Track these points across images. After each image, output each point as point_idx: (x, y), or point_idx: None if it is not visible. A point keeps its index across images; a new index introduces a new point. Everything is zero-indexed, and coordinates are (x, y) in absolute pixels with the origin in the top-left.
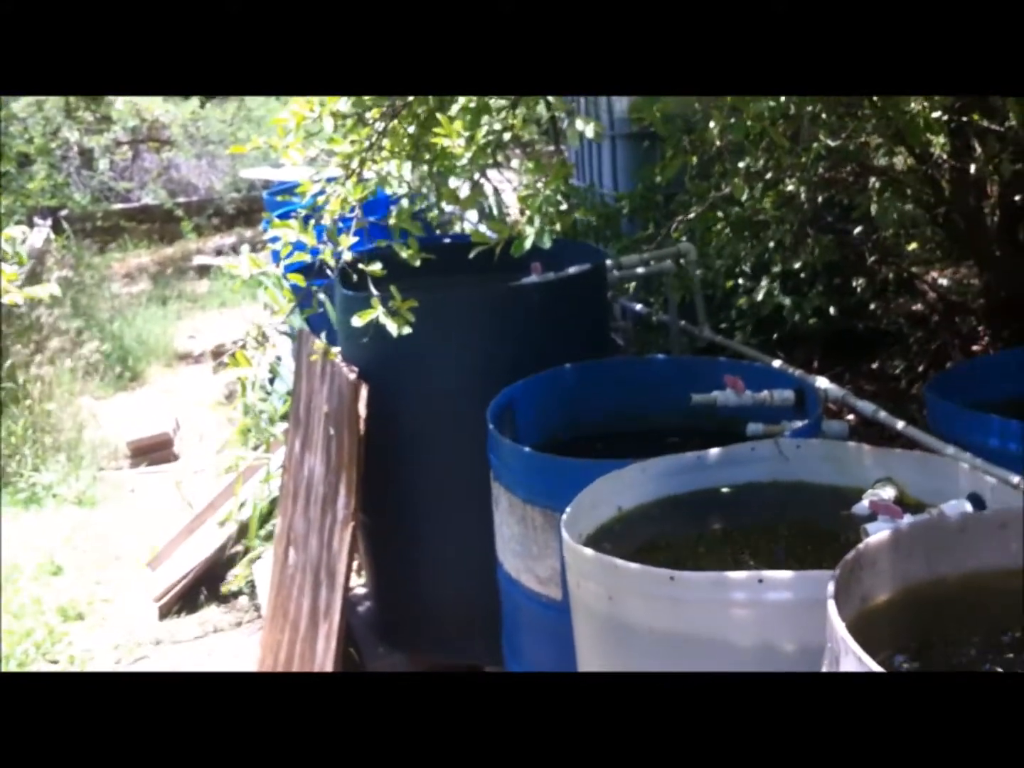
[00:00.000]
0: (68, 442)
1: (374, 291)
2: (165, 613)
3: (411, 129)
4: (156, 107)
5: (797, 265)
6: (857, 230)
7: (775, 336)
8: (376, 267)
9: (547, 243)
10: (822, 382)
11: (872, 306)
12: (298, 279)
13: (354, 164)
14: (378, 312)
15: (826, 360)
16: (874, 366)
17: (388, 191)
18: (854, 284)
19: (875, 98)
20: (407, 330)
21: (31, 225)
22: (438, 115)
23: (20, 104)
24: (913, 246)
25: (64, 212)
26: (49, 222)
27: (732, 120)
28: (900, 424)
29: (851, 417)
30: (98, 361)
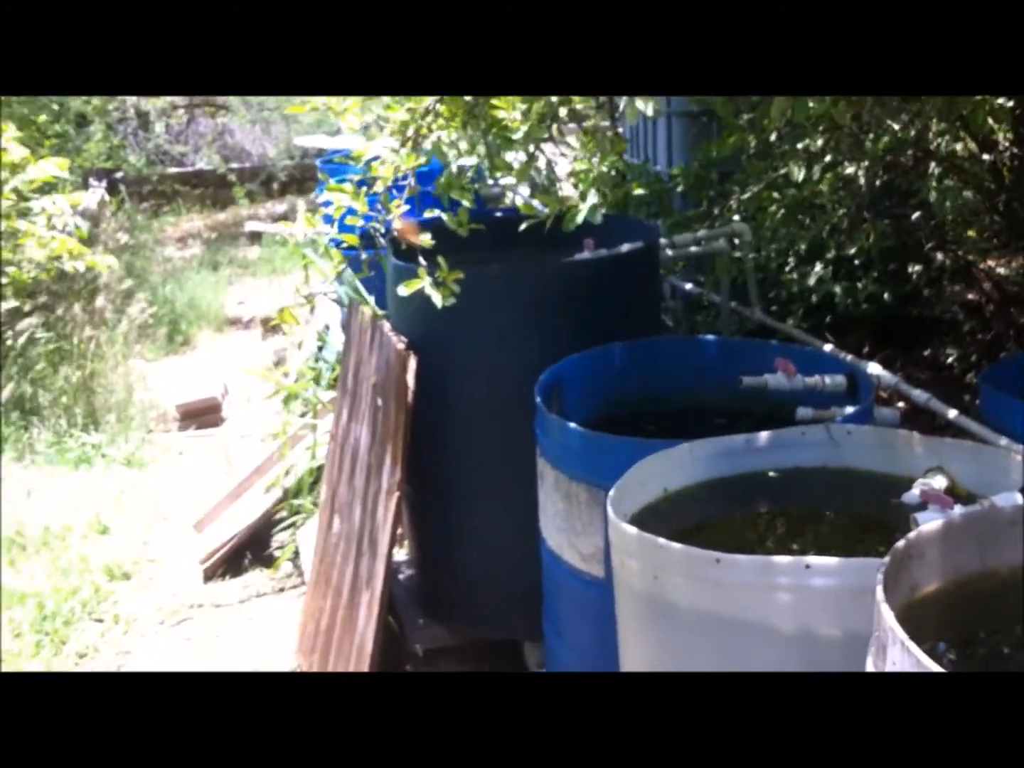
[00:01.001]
0: (118, 403)
1: (422, 261)
2: (210, 576)
3: (467, 97)
4: None
5: (852, 251)
6: (915, 216)
7: (827, 320)
8: (425, 237)
9: (599, 219)
10: (874, 368)
11: (926, 293)
12: (351, 239)
13: (409, 132)
14: (424, 282)
15: (878, 346)
16: (927, 354)
17: (442, 161)
18: (910, 270)
19: None
20: (451, 301)
21: (86, 186)
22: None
23: None
24: (971, 234)
25: (119, 174)
26: (104, 184)
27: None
28: (952, 413)
29: (902, 404)
30: (149, 324)
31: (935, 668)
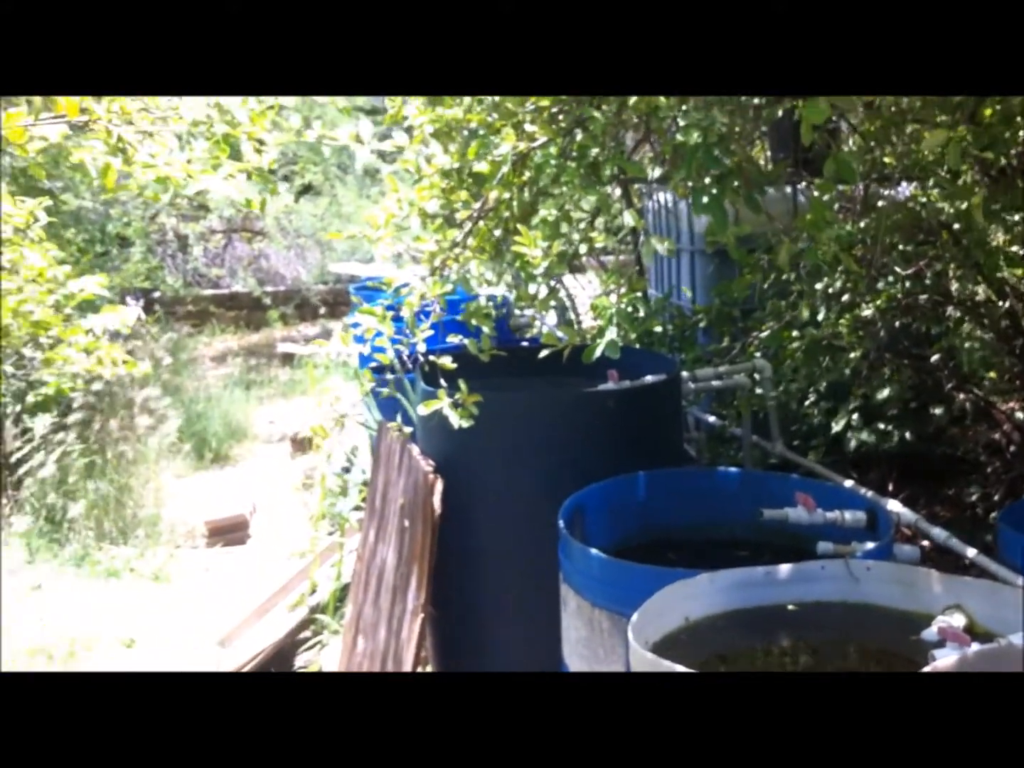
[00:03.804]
0: (147, 518)
1: (443, 383)
2: None
3: (496, 232)
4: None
5: (875, 394)
6: (935, 357)
7: (849, 455)
8: (446, 360)
9: (616, 354)
10: (895, 505)
11: (949, 432)
12: (383, 358)
13: (437, 262)
14: (443, 403)
15: (902, 483)
16: (951, 493)
17: (468, 291)
18: (931, 411)
19: (955, 228)
20: (470, 423)
21: (123, 303)
22: (519, 226)
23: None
24: (992, 375)
25: (156, 294)
26: (141, 302)
27: (801, 246)
28: (971, 552)
29: (926, 543)
30: (181, 441)
31: None
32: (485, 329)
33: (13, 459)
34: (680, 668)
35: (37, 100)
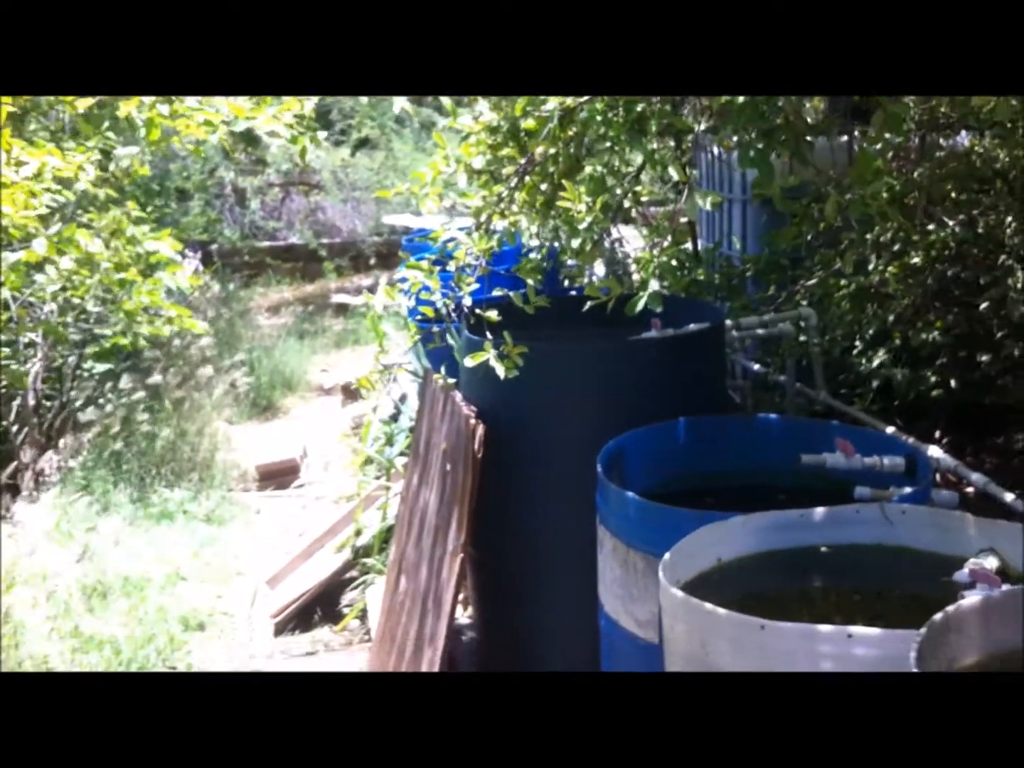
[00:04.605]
0: (202, 463)
1: (489, 336)
2: (280, 630)
3: (543, 187)
4: (308, 153)
5: (920, 339)
6: (984, 306)
7: (895, 404)
8: (492, 313)
9: (658, 306)
10: (934, 451)
11: (1000, 382)
12: (428, 311)
13: (483, 217)
14: (489, 355)
15: (949, 432)
16: (998, 441)
17: (513, 244)
18: (980, 359)
19: (1010, 177)
20: (514, 373)
21: (183, 257)
22: (564, 181)
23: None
24: None
25: (214, 246)
26: (199, 255)
27: (849, 197)
28: (1009, 497)
29: (971, 490)
30: (236, 389)
31: None
32: (530, 281)
33: (74, 405)
34: (709, 606)
35: None
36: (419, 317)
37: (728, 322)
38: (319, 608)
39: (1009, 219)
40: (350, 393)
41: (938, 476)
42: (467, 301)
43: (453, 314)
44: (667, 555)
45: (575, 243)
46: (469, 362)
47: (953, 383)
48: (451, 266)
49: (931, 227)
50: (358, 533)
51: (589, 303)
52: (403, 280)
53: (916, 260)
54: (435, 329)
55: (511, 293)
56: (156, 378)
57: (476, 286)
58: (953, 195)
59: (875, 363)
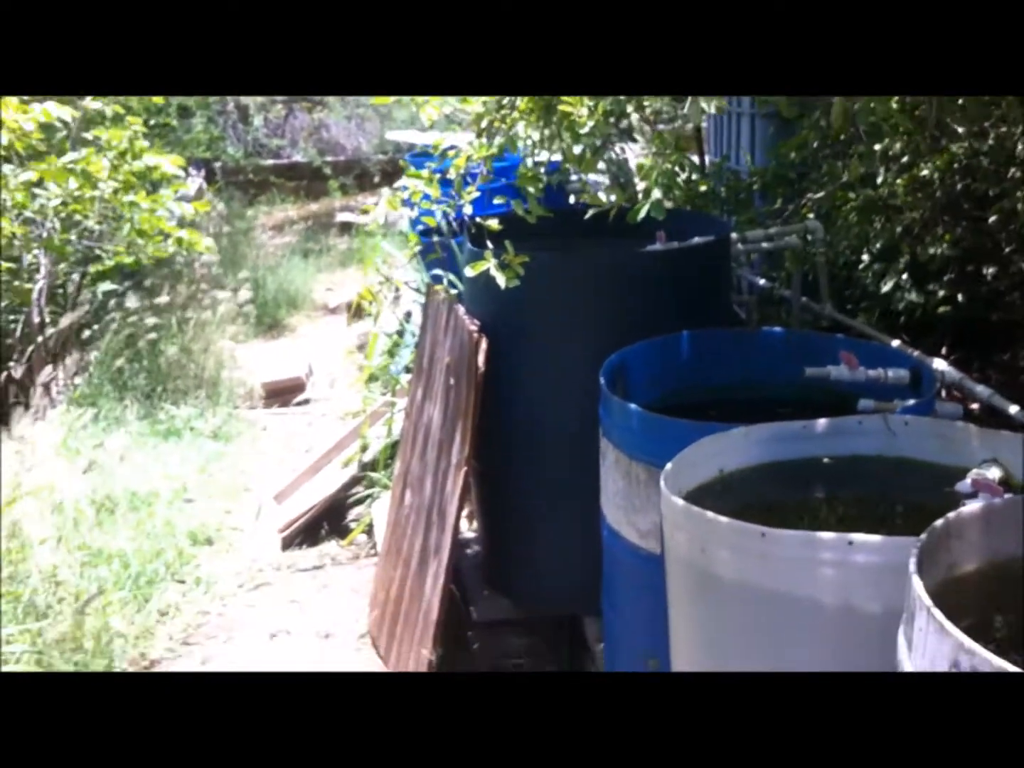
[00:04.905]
0: (208, 380)
1: (489, 245)
2: (288, 544)
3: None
4: None
5: (928, 252)
6: (993, 219)
7: (901, 321)
8: (493, 222)
9: (661, 215)
10: (939, 364)
11: (1008, 298)
12: (429, 221)
13: (483, 124)
14: (490, 264)
15: (956, 349)
16: (1005, 357)
17: (515, 151)
18: (986, 272)
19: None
20: (515, 283)
21: (186, 174)
22: None
23: None
24: None
25: (217, 164)
26: (203, 173)
27: (856, 106)
28: (1014, 409)
29: (975, 406)
30: (241, 308)
31: (958, 634)
32: (531, 190)
33: (79, 323)
34: (710, 514)
35: None
36: (420, 228)
37: (734, 235)
38: (326, 523)
39: (1020, 130)
40: (355, 312)
41: (943, 393)
42: (468, 210)
43: (454, 224)
44: (669, 465)
45: (576, 150)
46: (470, 271)
47: (960, 298)
48: (451, 174)
49: (941, 140)
50: (364, 449)
51: (591, 211)
52: (404, 189)
53: (925, 173)
54: (436, 239)
55: (512, 201)
56: (162, 297)
57: (477, 194)
58: (964, 106)
59: (885, 283)
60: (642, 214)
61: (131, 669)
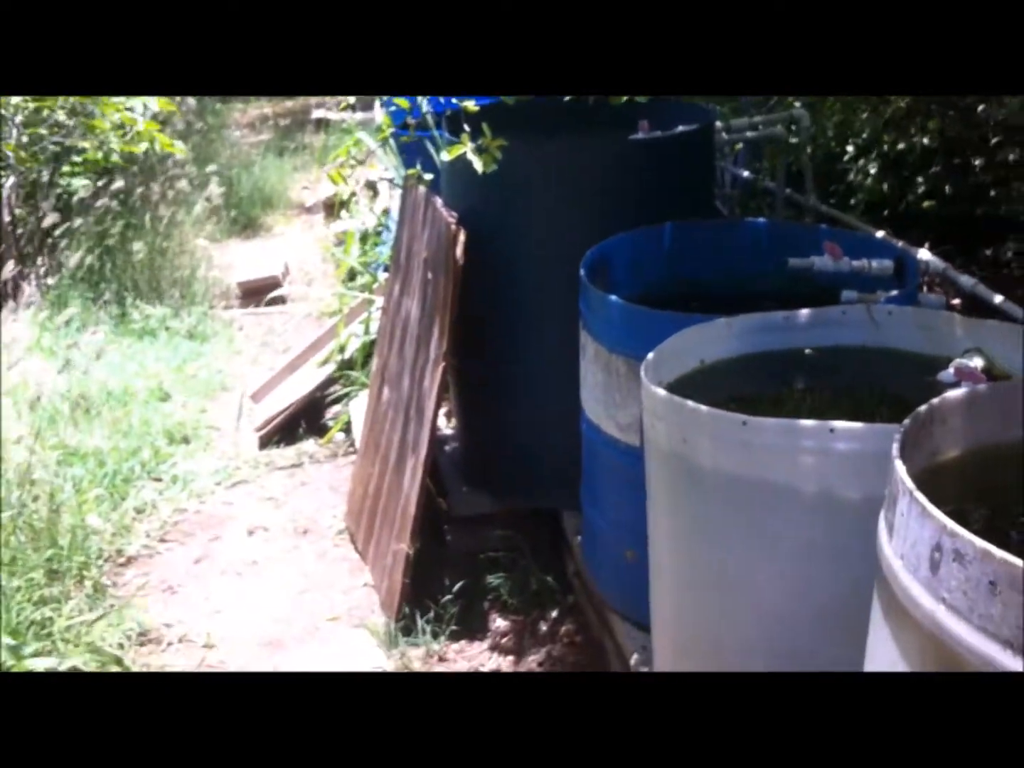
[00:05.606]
0: (183, 279)
1: (466, 128)
2: (265, 443)
3: None
4: None
5: (902, 146)
6: (980, 107)
7: (885, 214)
8: (470, 103)
9: (643, 98)
10: (923, 254)
11: (993, 192)
12: (402, 103)
13: None
14: (467, 148)
15: (940, 243)
16: (988, 252)
17: None
18: (974, 164)
19: None
20: (493, 167)
21: None
22: None
23: None
24: None
25: None
26: None
27: None
28: (998, 299)
29: (957, 301)
30: (216, 206)
31: (940, 517)
32: None
33: (50, 222)
34: (691, 404)
35: None
36: (392, 109)
37: (718, 124)
38: (303, 422)
39: None
40: (332, 210)
41: (927, 287)
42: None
43: (431, 119)
44: (649, 355)
45: None
46: (446, 156)
47: (948, 190)
48: None
49: None
50: (341, 348)
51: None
52: None
53: None
54: (410, 120)
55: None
56: (133, 194)
57: None
58: None
59: (868, 173)
60: (624, 97)
61: (107, 566)
